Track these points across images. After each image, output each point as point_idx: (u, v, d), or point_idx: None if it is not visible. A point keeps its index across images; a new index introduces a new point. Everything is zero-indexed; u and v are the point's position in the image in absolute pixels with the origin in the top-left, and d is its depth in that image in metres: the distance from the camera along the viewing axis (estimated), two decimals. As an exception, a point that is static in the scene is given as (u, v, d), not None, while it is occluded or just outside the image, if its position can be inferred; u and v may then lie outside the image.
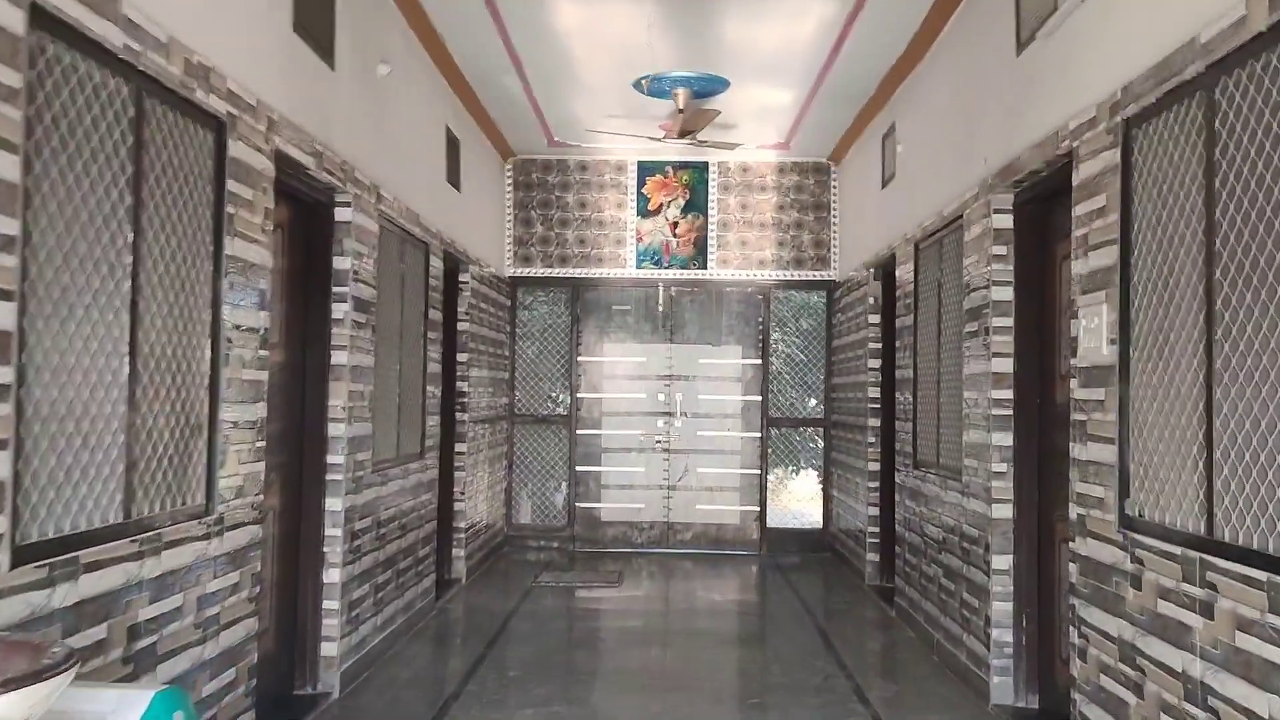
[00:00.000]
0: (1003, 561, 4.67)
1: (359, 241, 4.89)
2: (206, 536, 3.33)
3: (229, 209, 3.45)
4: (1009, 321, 4.72)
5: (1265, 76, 2.62)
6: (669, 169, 9.11)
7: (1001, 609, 4.67)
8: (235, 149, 3.49)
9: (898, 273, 6.72)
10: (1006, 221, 4.76)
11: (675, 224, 9.10)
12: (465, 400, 7.46)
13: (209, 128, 3.33)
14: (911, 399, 6.25)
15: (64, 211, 2.57)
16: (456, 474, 7.40)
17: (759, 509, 9.05)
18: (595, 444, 9.15)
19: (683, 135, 7.16)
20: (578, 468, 9.12)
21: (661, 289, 9.11)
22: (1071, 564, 3.75)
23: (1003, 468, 4.70)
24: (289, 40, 4.06)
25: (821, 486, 9.14)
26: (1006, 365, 4.71)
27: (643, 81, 6.67)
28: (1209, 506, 2.81)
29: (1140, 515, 3.22)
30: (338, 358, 4.74)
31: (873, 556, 7.53)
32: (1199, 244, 2.91)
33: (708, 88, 6.99)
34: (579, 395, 9.14)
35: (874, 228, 7.51)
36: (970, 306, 5.07)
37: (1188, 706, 2.90)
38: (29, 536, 2.44)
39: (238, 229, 3.52)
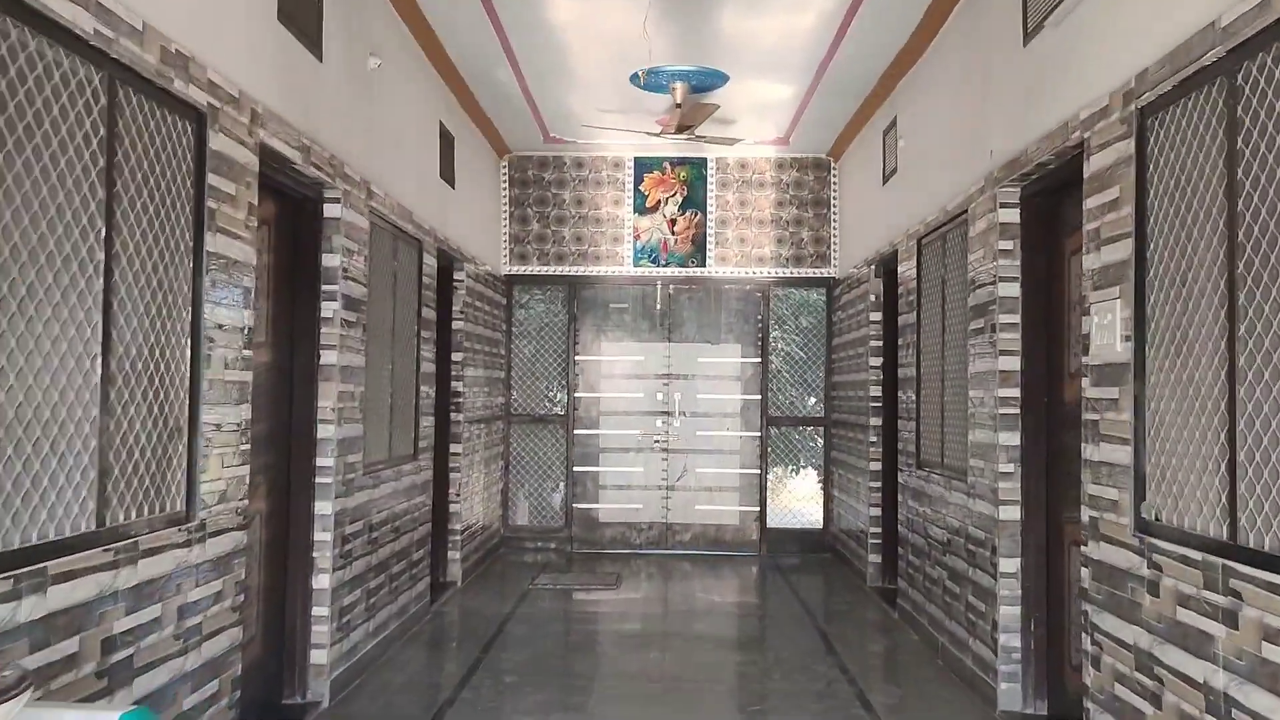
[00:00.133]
0: (1010, 564, 4.55)
1: (349, 238, 4.76)
2: (187, 544, 3.20)
3: (210, 204, 3.32)
4: (1016, 318, 4.60)
5: (1291, 60, 2.50)
6: (667, 165, 8.98)
7: (1009, 613, 4.54)
8: (216, 142, 3.37)
9: (900, 269, 6.60)
10: (1013, 216, 4.63)
11: (673, 221, 8.98)
12: (460, 400, 7.34)
13: (188, 119, 3.20)
14: (915, 398, 6.13)
15: (29, 205, 2.45)
16: (451, 475, 7.28)
17: (759, 509, 8.93)
18: (593, 444, 9.03)
19: (680, 130, 7.03)
20: (575, 468, 8.99)
21: (659, 287, 8.99)
22: (1083, 568, 3.63)
23: (1010, 468, 4.58)
24: (273, 30, 3.93)
25: (822, 486, 9.02)
26: (1013, 363, 4.59)
27: (639, 74, 6.53)
28: (1232, 510, 2.69)
29: (1157, 519, 3.09)
30: (327, 357, 4.62)
31: (874, 558, 7.41)
32: (1220, 236, 2.79)
33: (706, 82, 6.87)
34: (576, 395, 9.02)
35: (875, 224, 7.39)
36: (976, 303, 4.95)
37: (1209, 719, 2.78)
38: (-7, 547, 2.31)
39: (219, 224, 3.40)
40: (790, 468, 9.12)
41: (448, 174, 6.90)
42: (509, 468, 9.01)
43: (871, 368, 7.49)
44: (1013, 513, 4.56)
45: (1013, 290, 4.62)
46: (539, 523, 9.05)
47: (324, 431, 4.59)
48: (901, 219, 6.53)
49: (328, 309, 4.62)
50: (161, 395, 3.05)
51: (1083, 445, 3.65)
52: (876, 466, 7.42)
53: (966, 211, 5.13)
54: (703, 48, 6.32)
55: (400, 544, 5.73)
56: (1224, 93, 2.80)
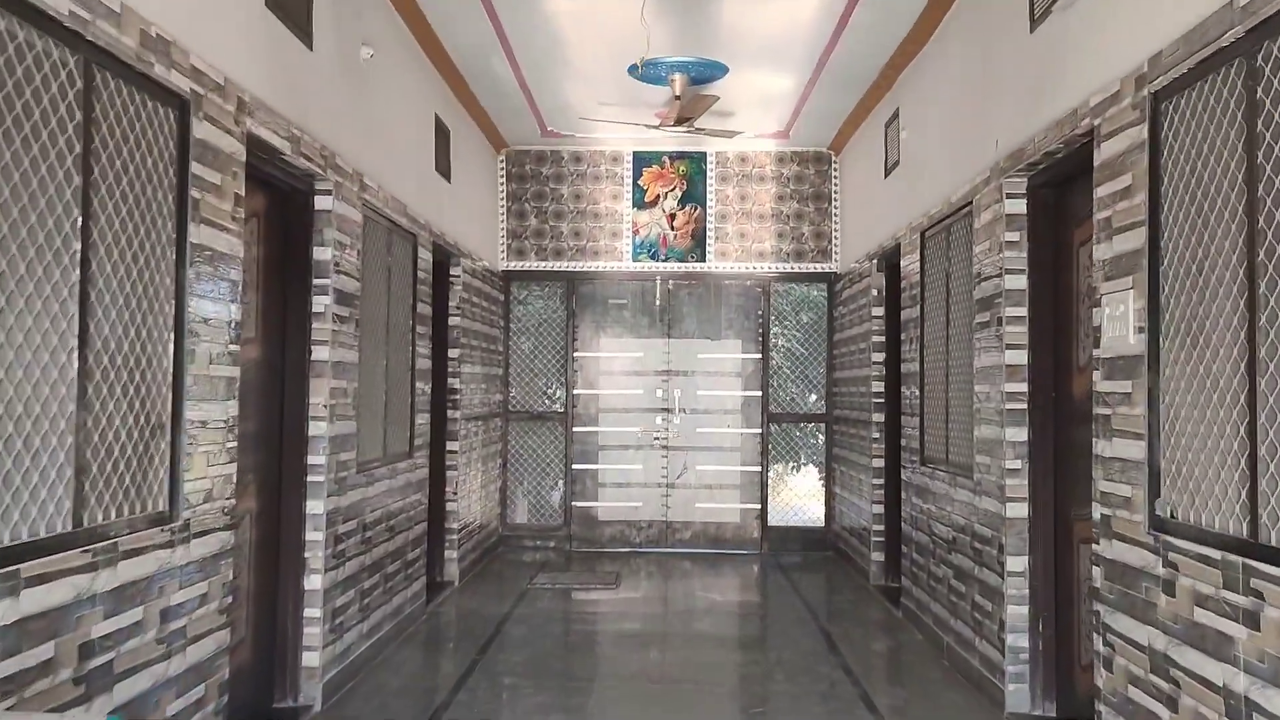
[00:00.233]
0: (1018, 563, 4.45)
1: (341, 231, 4.66)
2: (170, 544, 3.10)
3: (194, 194, 3.22)
4: (1023, 311, 4.50)
5: (1316, 37, 2.39)
6: (666, 160, 8.87)
7: (1016, 613, 4.45)
8: (200, 130, 3.26)
9: (902, 263, 6.50)
10: (1020, 206, 4.53)
11: (672, 216, 8.87)
12: (457, 397, 7.24)
13: (170, 106, 3.10)
14: (918, 393, 6.03)
15: None
16: (448, 473, 7.18)
17: (759, 507, 8.83)
18: (592, 441, 8.93)
19: (679, 122, 6.92)
20: (574, 466, 8.89)
21: (659, 282, 8.88)
22: (1095, 567, 3.53)
23: (1017, 464, 4.48)
24: (261, 16, 3.83)
25: (823, 483, 8.91)
26: (1020, 357, 4.49)
27: (637, 64, 6.42)
28: (1252, 507, 2.59)
29: (1173, 516, 2.99)
30: (319, 353, 4.51)
31: (877, 556, 7.31)
32: (1240, 223, 2.68)
33: (705, 73, 6.76)
34: (575, 391, 8.92)
35: (877, 218, 7.29)
36: (981, 296, 4.85)
37: (1228, 723, 2.68)
38: (-39, 549, 2.21)
39: (204, 215, 3.30)
40: (791, 465, 9.02)
41: (443, 167, 6.80)
42: (507, 465, 8.91)
43: (874, 363, 7.39)
44: (1020, 510, 4.46)
45: (1019, 282, 4.52)
46: (538, 521, 8.95)
47: (316, 429, 4.49)
48: (904, 212, 6.43)
49: (319, 303, 4.52)
50: (143, 390, 2.95)
51: (1094, 440, 3.54)
52: (879, 463, 7.32)
53: (971, 203, 5.03)
54: (702, 38, 6.21)
55: (395, 543, 5.63)
56: (1243, 74, 2.69)
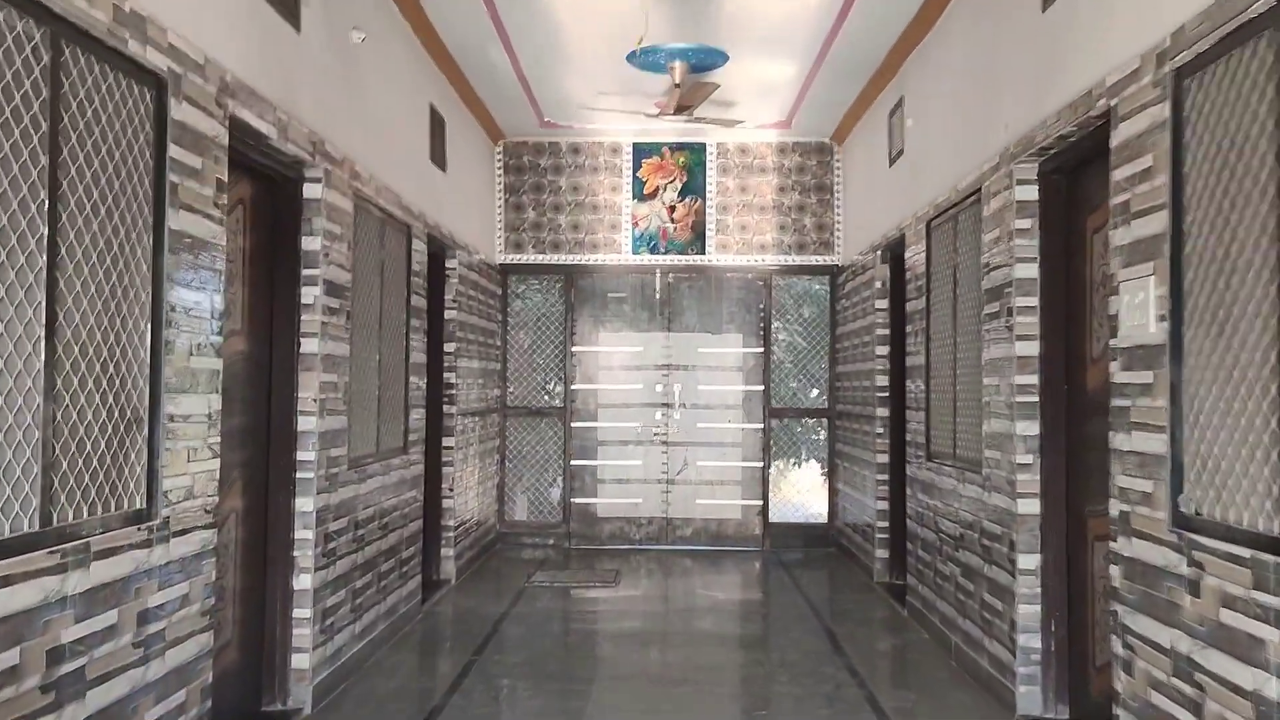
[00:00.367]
0: (1029, 561, 4.31)
1: (331, 221, 4.52)
2: (148, 544, 2.96)
3: (172, 178, 3.08)
4: (1034, 301, 4.36)
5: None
6: (665, 151, 8.73)
7: (1028, 612, 4.31)
8: (180, 111, 3.12)
9: (907, 254, 6.35)
10: (1030, 193, 4.39)
11: (672, 208, 8.73)
12: (453, 392, 7.10)
13: (146, 85, 2.96)
14: (924, 387, 5.89)
15: (-42, 170, 2.21)
16: (444, 469, 7.04)
17: (761, 503, 8.69)
18: (591, 437, 8.79)
19: (679, 111, 6.78)
20: (573, 462, 8.75)
21: (658, 275, 8.74)
22: (1113, 565, 3.39)
23: (1028, 459, 4.34)
24: (245, -5, 3.69)
25: (826, 479, 8.78)
26: (1032, 348, 4.35)
27: (636, 49, 6.26)
28: (1285, 503, 2.45)
29: (1197, 513, 2.86)
30: (308, 346, 4.38)
31: (882, 553, 7.18)
32: (1270, 204, 2.54)
33: (706, 61, 6.61)
34: (574, 386, 8.78)
35: (881, 208, 7.15)
36: (990, 286, 4.71)
37: (1258, 730, 2.55)
38: (-85, 550, 2.08)
39: (183, 200, 3.16)
40: (793, 460, 8.88)
41: (439, 158, 6.66)
42: (505, 462, 8.78)
43: (877, 356, 7.25)
44: (1031, 506, 4.32)
45: (1030, 271, 4.38)
46: (536, 518, 8.82)
47: (305, 424, 4.35)
48: (909, 202, 6.29)
49: (308, 295, 4.38)
50: (117, 383, 2.81)
51: (1111, 434, 3.40)
52: (883, 459, 7.18)
53: (979, 191, 4.89)
54: (702, 25, 6.06)
55: (389, 541, 5.50)
56: (1274, 47, 2.55)
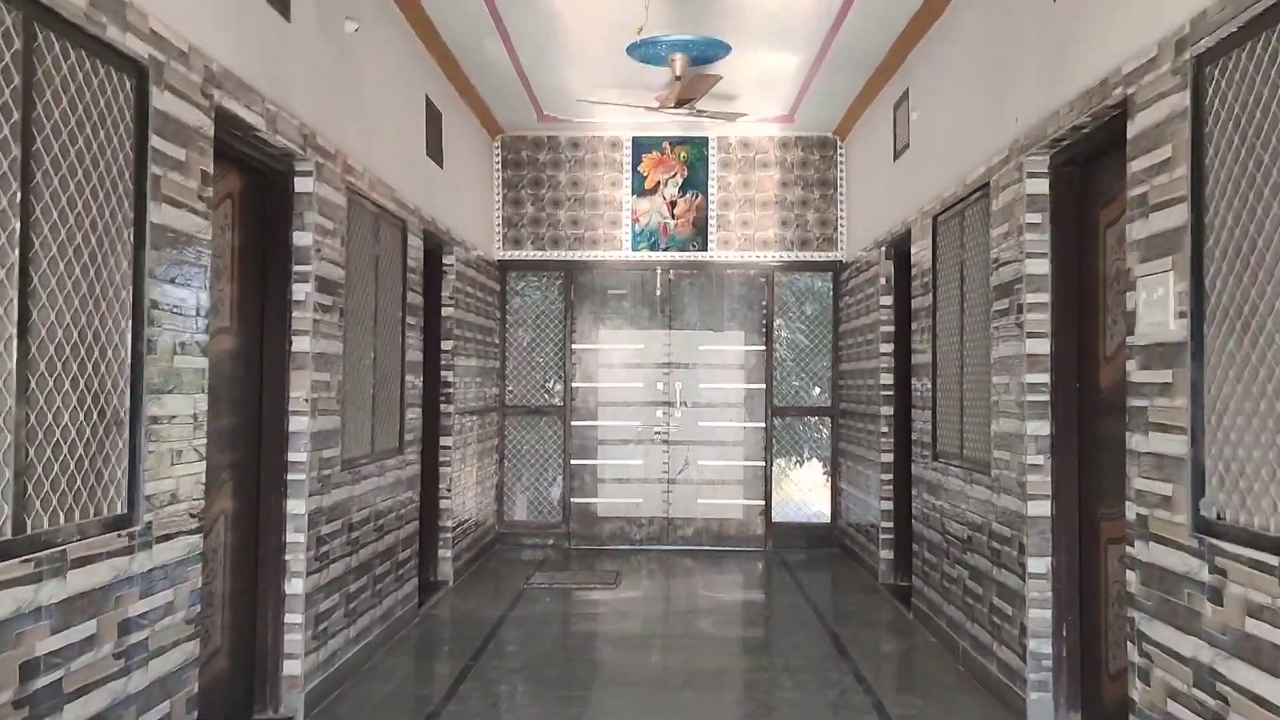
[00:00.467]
0: (1040, 564, 4.21)
1: (323, 215, 4.41)
2: (129, 550, 2.85)
3: (154, 170, 2.96)
4: (1045, 298, 4.24)
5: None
6: (666, 145, 8.61)
7: (1039, 617, 4.20)
8: (162, 101, 3.01)
9: (912, 250, 6.24)
10: (1041, 186, 4.28)
11: (673, 203, 8.61)
12: (451, 391, 6.99)
13: (127, 73, 2.84)
14: (930, 385, 5.78)
15: (-79, 160, 2.10)
16: (442, 470, 6.93)
17: (763, 503, 8.58)
18: (591, 436, 8.68)
19: (680, 104, 6.66)
20: (573, 461, 8.64)
21: (659, 272, 8.63)
22: (1129, 570, 3.28)
23: (1039, 459, 4.23)
24: (232, -17, 3.58)
25: (829, 479, 8.66)
26: (1042, 346, 4.24)
27: (636, 38, 6.12)
28: (1316, 509, 2.34)
29: (1220, 518, 2.74)
30: (299, 344, 4.27)
31: (886, 554, 7.07)
32: (1300, 194, 2.43)
33: (707, 53, 6.49)
34: (574, 385, 8.67)
35: (885, 203, 7.03)
36: (999, 282, 4.60)
37: (1287, 746, 2.44)
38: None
39: (166, 193, 3.04)
40: (795, 459, 8.77)
41: (435, 152, 6.54)
42: (504, 461, 8.67)
43: (882, 354, 7.13)
44: (1042, 508, 4.21)
45: (1041, 267, 4.26)
46: (536, 518, 8.70)
47: (296, 424, 4.24)
48: (914, 196, 6.17)
49: (300, 291, 4.27)
50: (95, 384, 2.70)
51: (1128, 435, 3.29)
52: (888, 458, 7.07)
53: (988, 184, 4.77)
54: (704, 16, 5.94)
55: (384, 543, 5.39)
56: (1303, 30, 2.44)
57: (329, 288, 4.48)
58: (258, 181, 4.16)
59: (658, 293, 8.64)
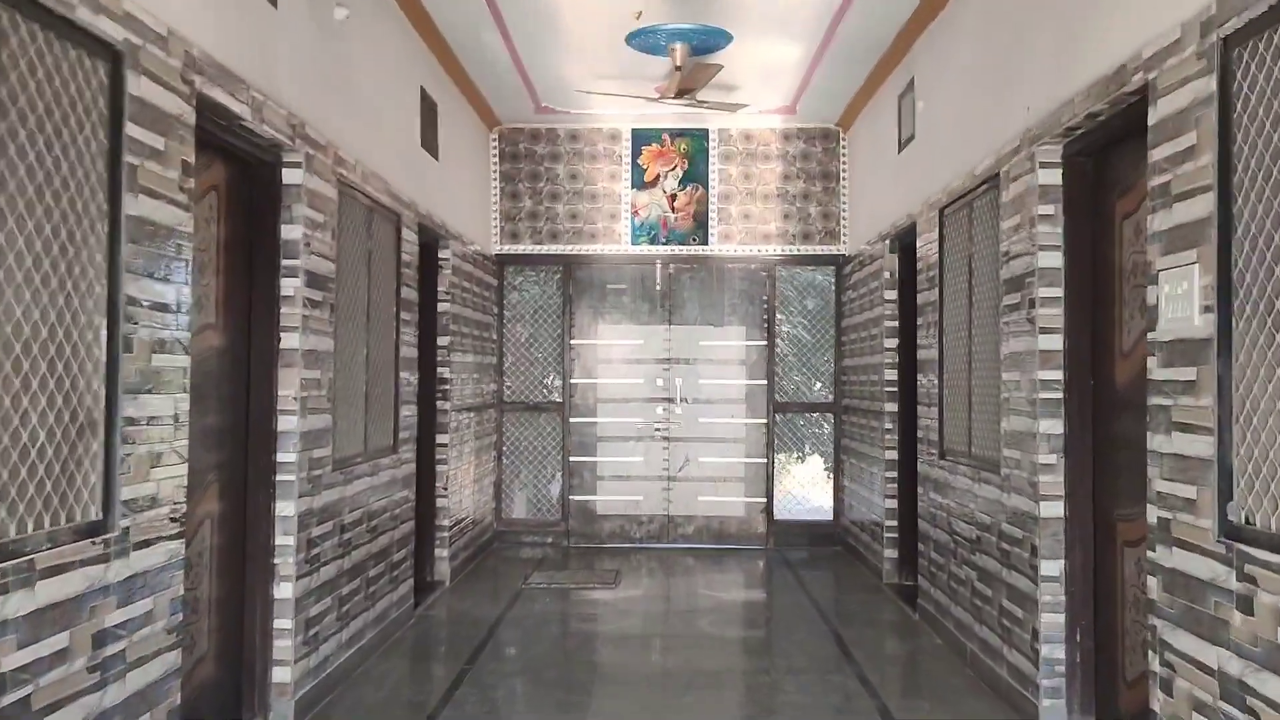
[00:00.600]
0: (1053, 566, 4.08)
1: (312, 208, 4.27)
2: (105, 558, 2.72)
3: (130, 159, 2.83)
4: (1058, 291, 4.11)
5: None
6: (666, 137, 8.47)
7: (1052, 621, 4.07)
8: (138, 86, 2.87)
9: (918, 243, 6.11)
10: (1054, 177, 4.14)
11: (673, 196, 8.47)
12: (447, 388, 6.86)
13: (100, 57, 2.70)
14: (937, 381, 5.64)
15: None
16: (438, 468, 6.80)
17: (765, 500, 8.45)
18: (590, 433, 8.55)
19: (681, 94, 6.53)
20: (572, 458, 8.51)
21: (659, 266, 8.49)
22: (1150, 576, 3.15)
23: (1051, 459, 4.10)
24: (214, -35, 3.44)
25: (832, 476, 8.53)
26: (1055, 342, 4.11)
27: (635, 19, 5.96)
28: (1357, 515, 2.21)
29: (1249, 522, 2.61)
30: (288, 340, 4.13)
31: (890, 552, 6.94)
32: (1338, 182, 2.30)
33: (708, 42, 6.35)
34: (572, 381, 8.53)
35: (889, 196, 6.89)
36: (1010, 276, 4.46)
37: (1323, 764, 2.31)
38: None
39: (143, 184, 2.91)
40: (797, 456, 8.64)
41: (430, 144, 6.40)
42: (502, 459, 8.54)
43: (886, 350, 7.00)
44: (1055, 509, 4.08)
45: (1054, 260, 4.13)
46: (535, 516, 8.58)
47: (285, 423, 4.11)
48: (920, 189, 6.03)
49: (288, 286, 4.13)
50: (67, 384, 2.56)
51: (1149, 435, 3.16)
52: (892, 455, 6.94)
53: (998, 175, 4.63)
54: (704, 4, 5.79)
55: (378, 544, 5.26)
56: (1341, 8, 2.30)
57: (319, 282, 4.35)
58: (244, 173, 4.03)
59: (658, 287, 8.50)
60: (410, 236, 5.81)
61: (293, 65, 4.12)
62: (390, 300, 5.47)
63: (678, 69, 6.40)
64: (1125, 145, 3.71)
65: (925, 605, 5.84)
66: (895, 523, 6.90)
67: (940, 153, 5.68)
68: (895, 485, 6.91)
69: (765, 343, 8.48)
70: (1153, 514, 3.12)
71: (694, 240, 8.45)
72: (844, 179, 8.40)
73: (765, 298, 8.49)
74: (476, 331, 7.70)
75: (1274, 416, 2.52)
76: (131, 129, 2.83)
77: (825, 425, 8.59)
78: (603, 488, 8.52)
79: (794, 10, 5.91)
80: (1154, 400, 3.12)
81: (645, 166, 8.48)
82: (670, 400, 8.45)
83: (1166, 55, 3.07)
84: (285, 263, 4.13)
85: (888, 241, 6.94)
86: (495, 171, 8.46)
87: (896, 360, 6.93)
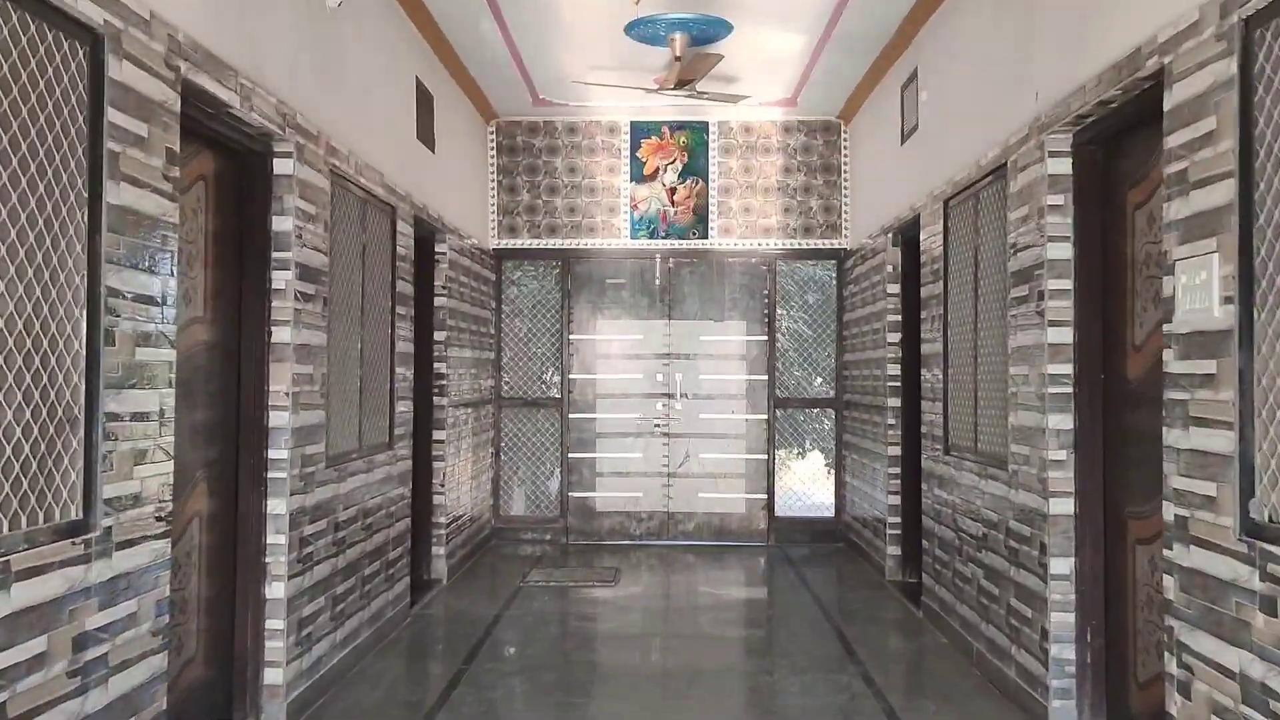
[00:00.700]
0: (1062, 565, 3.98)
1: (304, 199, 4.17)
2: (85, 559, 2.63)
3: (111, 146, 2.73)
4: (1068, 284, 4.01)
5: None
6: (665, 130, 8.36)
7: (1062, 620, 3.98)
8: (120, 71, 2.77)
9: (922, 236, 6.01)
10: (1064, 166, 4.04)
11: (673, 190, 8.37)
12: (444, 383, 6.76)
13: (79, 40, 2.60)
14: (941, 376, 5.55)
15: None
16: (435, 464, 6.71)
17: (766, 497, 8.35)
18: (589, 429, 8.45)
19: (680, 85, 6.42)
20: (571, 454, 8.42)
21: (659, 261, 8.39)
22: (1166, 576, 3.06)
23: (1061, 455, 4.00)
24: (201, -53, 3.33)
25: (833, 472, 8.44)
26: (1065, 335, 4.01)
27: (635, 10, 5.86)
28: (1389, 513, 2.12)
29: (1272, 520, 2.52)
30: (280, 335, 4.04)
31: (893, 549, 6.85)
32: (1369, 165, 2.20)
33: (708, 32, 6.25)
34: (571, 376, 8.44)
35: (892, 189, 6.79)
36: (1018, 268, 4.37)
37: (1352, 773, 2.22)
38: None
39: (125, 172, 2.81)
40: (798, 452, 8.54)
41: (426, 136, 6.30)
42: (500, 455, 8.44)
43: (889, 344, 6.91)
44: (1065, 506, 3.99)
45: (1063, 251, 4.03)
46: (533, 513, 8.48)
47: (277, 419, 4.01)
48: (924, 180, 5.93)
49: (279, 279, 4.04)
50: (44, 378, 2.46)
51: (1165, 430, 3.06)
52: (895, 451, 6.85)
53: (1005, 165, 4.54)
54: (705, -9, 5.71)
55: (373, 542, 5.17)
56: (1372, -16, 2.20)
57: (311, 275, 4.25)
58: (234, 163, 3.93)
59: (657, 282, 8.40)
60: (406, 230, 5.71)
61: (283, 53, 4.02)
62: (385, 294, 5.38)
63: (677, 59, 6.30)
64: (1138, 132, 3.62)
65: (929, 603, 5.75)
66: (898, 519, 6.82)
67: (945, 144, 5.58)
68: (898, 481, 6.81)
69: (766, 337, 8.38)
70: (1169, 511, 3.03)
71: (694, 234, 8.35)
72: (845, 172, 8.30)
73: (766, 292, 8.40)
74: (474, 326, 7.61)
75: (1299, 411, 2.43)
76: (113, 115, 2.73)
77: (826, 421, 8.49)
78: (602, 484, 8.43)
79: (796, 0, 5.82)
80: (1170, 394, 3.03)
81: (644, 160, 8.38)
82: (670, 396, 8.36)
83: (1184, 38, 2.97)
84: (276, 255, 4.04)
85: (890, 235, 6.84)
86: (493, 165, 8.36)
87: (899, 355, 6.84)
